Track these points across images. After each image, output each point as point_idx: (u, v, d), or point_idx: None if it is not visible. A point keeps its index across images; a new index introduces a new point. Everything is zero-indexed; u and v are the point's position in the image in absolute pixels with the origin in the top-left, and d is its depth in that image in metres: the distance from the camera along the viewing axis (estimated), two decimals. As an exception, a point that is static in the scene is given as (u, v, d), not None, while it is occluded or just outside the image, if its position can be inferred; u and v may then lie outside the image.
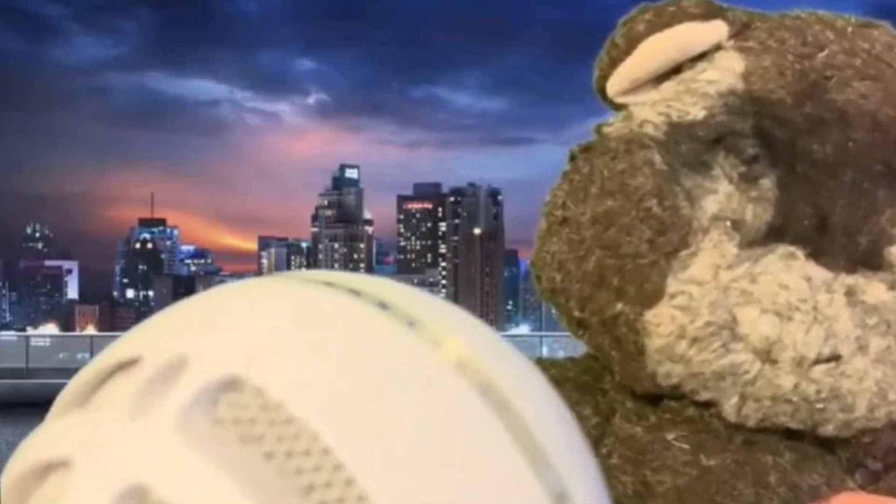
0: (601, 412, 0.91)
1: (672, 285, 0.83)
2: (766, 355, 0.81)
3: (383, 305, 0.37)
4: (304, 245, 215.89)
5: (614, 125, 0.92)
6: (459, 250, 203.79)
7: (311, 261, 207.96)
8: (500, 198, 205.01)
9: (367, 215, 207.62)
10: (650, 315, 0.83)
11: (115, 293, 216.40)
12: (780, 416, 0.83)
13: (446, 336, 0.38)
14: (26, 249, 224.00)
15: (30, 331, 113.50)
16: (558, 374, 0.93)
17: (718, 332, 0.82)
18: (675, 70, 0.91)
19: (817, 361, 0.80)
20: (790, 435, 0.84)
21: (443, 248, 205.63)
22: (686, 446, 0.86)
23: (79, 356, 28.46)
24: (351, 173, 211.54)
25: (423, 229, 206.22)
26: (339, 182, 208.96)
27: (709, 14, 0.91)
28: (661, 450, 0.86)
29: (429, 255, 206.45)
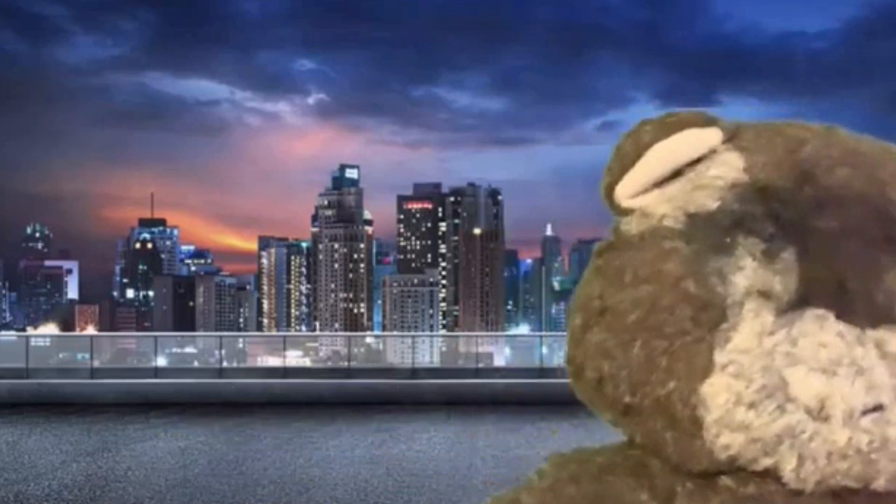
0: (658, 496, 0.93)
1: (720, 356, 0.87)
2: (819, 413, 0.85)
3: None
4: (304, 245, 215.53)
5: (632, 224, 0.99)
6: (459, 250, 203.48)
7: (311, 261, 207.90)
8: (500, 198, 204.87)
9: (367, 215, 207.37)
10: (705, 386, 0.87)
11: (115, 293, 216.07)
12: (837, 476, 0.86)
13: None
14: (26, 249, 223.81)
15: (30, 331, 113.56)
16: (605, 461, 0.97)
17: (773, 394, 0.86)
18: (675, 174, 1.00)
19: (864, 412, 0.85)
20: None
21: (443, 248, 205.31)
22: None
23: (79, 356, 28.41)
24: (351, 173, 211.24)
25: (423, 229, 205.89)
26: (339, 182, 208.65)
27: (704, 122, 1.01)
28: None
29: (429, 255, 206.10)
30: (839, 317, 0.88)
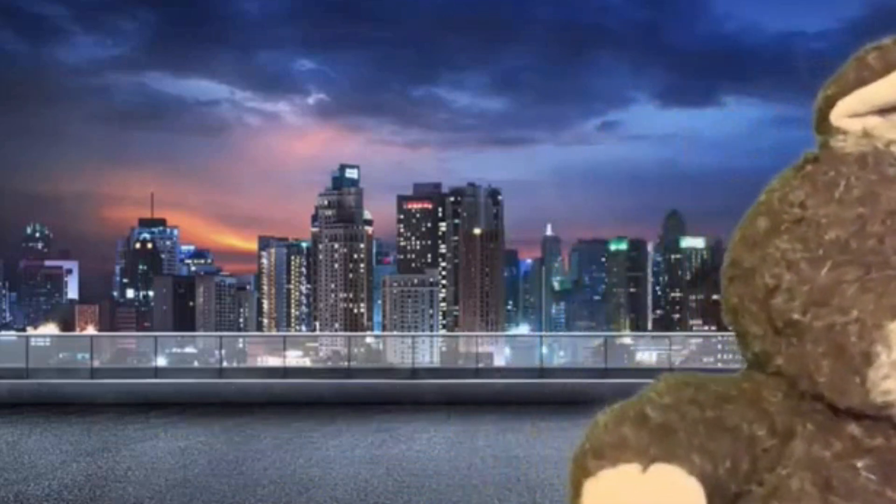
0: (778, 433, 0.89)
1: None
2: None
3: None
4: (304, 245, 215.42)
5: (848, 142, 0.90)
6: (459, 250, 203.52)
7: (311, 260, 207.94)
8: (500, 198, 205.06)
9: (367, 215, 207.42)
10: (894, 326, 0.81)
11: (115, 293, 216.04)
12: None
13: None
14: (26, 249, 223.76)
15: (30, 331, 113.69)
16: (722, 390, 0.92)
17: None
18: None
19: None
20: None
21: (443, 248, 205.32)
22: (874, 476, 0.85)
23: (79, 356, 28.45)
24: (351, 173, 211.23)
25: (423, 229, 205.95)
26: (339, 182, 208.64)
27: None
28: (850, 477, 0.85)
29: (429, 255, 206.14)
30: None
